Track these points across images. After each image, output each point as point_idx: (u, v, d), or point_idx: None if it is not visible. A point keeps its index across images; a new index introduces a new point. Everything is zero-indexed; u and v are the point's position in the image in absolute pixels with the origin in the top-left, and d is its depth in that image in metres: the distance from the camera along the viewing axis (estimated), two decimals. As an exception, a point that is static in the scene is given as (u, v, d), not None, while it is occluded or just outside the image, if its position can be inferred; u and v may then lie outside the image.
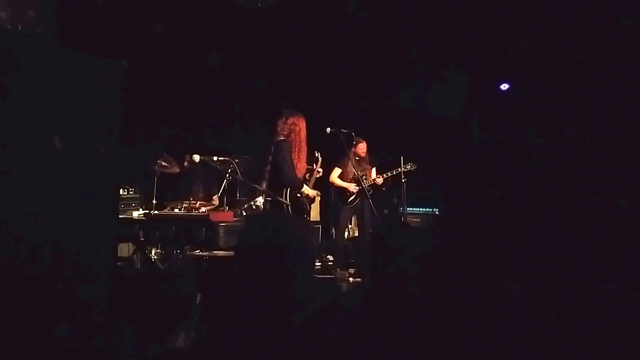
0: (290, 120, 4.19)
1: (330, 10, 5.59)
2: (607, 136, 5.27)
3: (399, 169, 6.06)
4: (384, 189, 6.14)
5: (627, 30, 4.99)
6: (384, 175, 6.05)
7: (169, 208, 5.08)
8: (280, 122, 4.20)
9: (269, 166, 4.14)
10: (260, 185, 4.18)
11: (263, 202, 4.37)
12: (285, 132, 4.17)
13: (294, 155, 4.18)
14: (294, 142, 4.17)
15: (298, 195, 4.26)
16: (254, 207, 4.77)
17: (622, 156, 5.05)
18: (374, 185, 5.99)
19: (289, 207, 4.16)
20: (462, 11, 5.53)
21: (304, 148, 4.23)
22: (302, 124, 4.22)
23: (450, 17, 5.68)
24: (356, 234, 6.83)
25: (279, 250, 1.36)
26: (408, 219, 6.58)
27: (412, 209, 6.98)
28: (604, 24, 5.16)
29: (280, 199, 4.13)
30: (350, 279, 5.86)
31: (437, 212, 7.20)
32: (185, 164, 5.59)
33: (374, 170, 6.15)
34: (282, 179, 4.11)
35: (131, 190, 5.59)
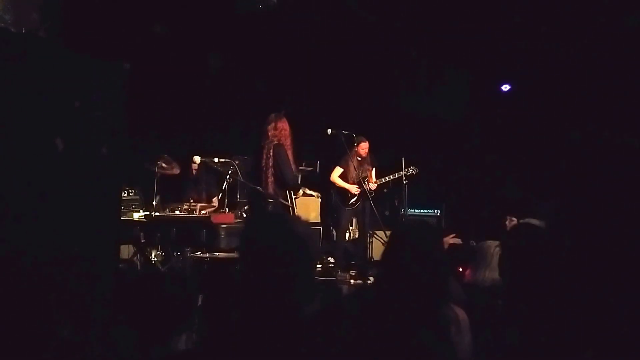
0: (279, 125, 4.33)
1: (331, 11, 5.60)
2: (609, 136, 5.28)
3: (400, 173, 6.04)
4: (385, 190, 6.14)
5: (628, 30, 4.99)
6: (379, 181, 6.05)
7: (169, 209, 5.08)
8: (270, 128, 4.33)
9: (271, 169, 4.22)
10: (263, 188, 4.25)
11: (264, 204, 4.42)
12: (277, 137, 4.31)
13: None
14: (286, 146, 4.32)
15: (295, 197, 4.44)
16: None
17: (622, 157, 5.05)
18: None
19: (291, 208, 4.25)
20: (463, 12, 5.54)
21: (292, 149, 4.38)
22: (287, 127, 4.37)
23: (452, 18, 5.69)
24: (357, 235, 6.81)
25: (282, 252, 1.36)
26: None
27: (413, 210, 6.98)
28: (606, 24, 5.17)
29: (283, 201, 4.20)
30: (352, 280, 5.85)
31: (438, 214, 7.20)
32: (194, 165, 5.61)
33: (374, 171, 6.13)
34: (285, 181, 4.28)
35: (131, 192, 5.58)
